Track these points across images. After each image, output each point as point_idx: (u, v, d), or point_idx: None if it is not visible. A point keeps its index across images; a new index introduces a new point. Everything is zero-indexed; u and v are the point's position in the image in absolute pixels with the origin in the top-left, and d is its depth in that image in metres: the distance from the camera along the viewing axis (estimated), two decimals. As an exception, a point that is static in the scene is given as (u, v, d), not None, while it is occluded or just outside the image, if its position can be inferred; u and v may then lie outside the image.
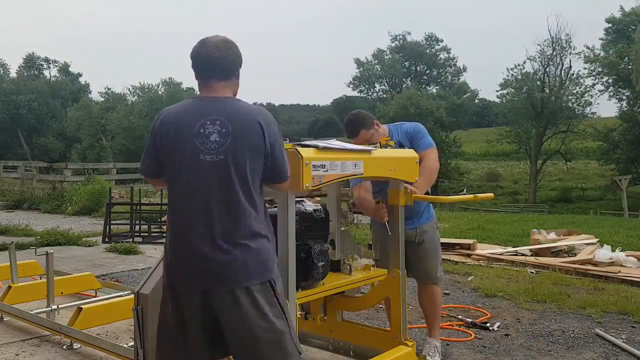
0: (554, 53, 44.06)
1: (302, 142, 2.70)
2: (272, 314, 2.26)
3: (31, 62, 60.43)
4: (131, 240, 9.57)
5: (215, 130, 2.21)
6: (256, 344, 2.24)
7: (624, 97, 41.50)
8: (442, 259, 7.72)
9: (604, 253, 7.25)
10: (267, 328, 2.24)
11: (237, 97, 2.42)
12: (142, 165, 2.42)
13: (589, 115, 44.55)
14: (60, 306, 4.57)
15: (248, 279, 2.22)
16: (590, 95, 43.41)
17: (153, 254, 8.24)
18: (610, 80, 41.38)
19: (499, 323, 4.79)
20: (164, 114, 2.35)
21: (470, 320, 4.79)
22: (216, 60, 2.30)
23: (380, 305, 4.68)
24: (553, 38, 43.87)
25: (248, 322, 2.22)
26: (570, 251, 8.06)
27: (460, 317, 4.91)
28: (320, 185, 2.71)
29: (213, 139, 2.21)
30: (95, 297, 5.28)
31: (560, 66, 44.28)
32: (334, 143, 2.89)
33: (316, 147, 2.69)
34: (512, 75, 45.57)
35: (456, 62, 56.99)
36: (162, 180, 2.39)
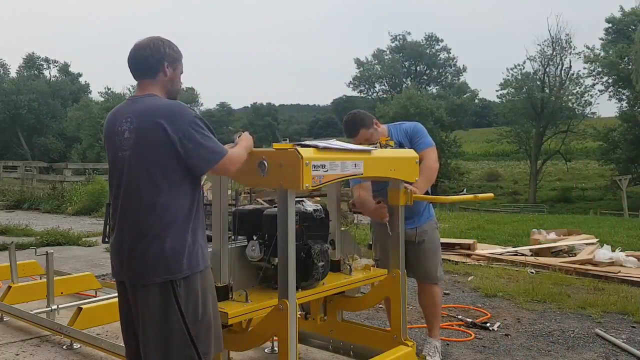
0: (554, 53, 44.11)
1: (302, 142, 2.70)
2: (165, 314, 2.29)
3: (31, 62, 60.42)
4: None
5: (127, 127, 2.35)
6: (147, 341, 2.33)
7: (624, 97, 41.51)
8: (442, 259, 7.70)
9: (604, 253, 7.25)
10: (156, 328, 2.30)
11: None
12: None
13: (589, 115, 44.57)
14: (60, 306, 4.58)
15: (148, 277, 2.30)
16: (590, 95, 43.48)
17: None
18: (610, 80, 41.40)
19: (499, 323, 4.79)
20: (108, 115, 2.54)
21: (470, 320, 4.79)
22: (137, 61, 2.44)
23: (380, 305, 4.68)
24: (553, 38, 43.96)
25: (143, 317, 2.32)
26: (570, 251, 8.06)
27: (460, 317, 4.91)
28: (320, 185, 2.70)
29: (126, 136, 2.35)
30: (95, 297, 5.28)
31: (560, 66, 44.35)
32: (334, 143, 2.89)
33: (316, 147, 2.69)
34: (512, 75, 45.64)
35: (456, 62, 57.09)
36: None
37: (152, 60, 2.41)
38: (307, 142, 2.72)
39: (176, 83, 2.50)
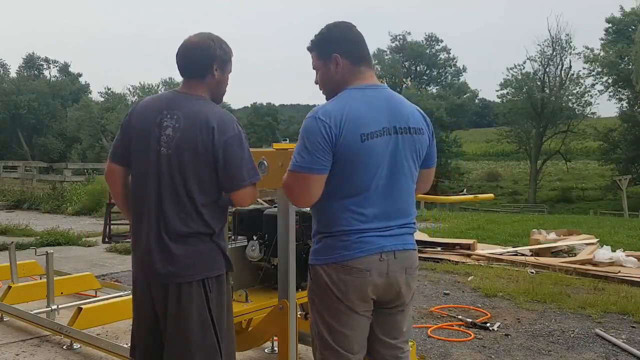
0: (554, 53, 44.06)
1: None
2: (196, 315, 2.29)
3: (31, 62, 60.38)
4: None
5: (171, 124, 2.30)
6: (174, 343, 2.31)
7: (624, 97, 41.49)
8: (442, 259, 7.64)
9: (604, 253, 7.25)
10: (184, 329, 2.29)
11: (228, 88, 2.50)
12: (112, 149, 2.48)
13: (589, 115, 44.52)
14: (60, 306, 4.58)
15: (180, 276, 2.28)
16: (590, 95, 43.43)
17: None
18: (610, 80, 41.37)
19: (499, 323, 4.79)
20: (140, 103, 2.47)
21: (470, 320, 4.79)
22: (187, 60, 2.39)
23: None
24: (553, 38, 43.86)
25: (174, 317, 2.29)
26: (570, 251, 8.07)
27: (460, 317, 4.91)
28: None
29: (168, 133, 2.29)
30: (95, 297, 5.28)
31: (560, 66, 44.27)
32: None
33: None
34: (512, 75, 45.63)
35: (456, 62, 57.08)
36: (121, 170, 2.44)
37: (203, 61, 2.37)
38: None
39: (223, 86, 2.46)
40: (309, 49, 2.32)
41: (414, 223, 2.27)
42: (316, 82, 2.35)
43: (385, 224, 2.14)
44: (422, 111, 2.31)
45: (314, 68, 2.32)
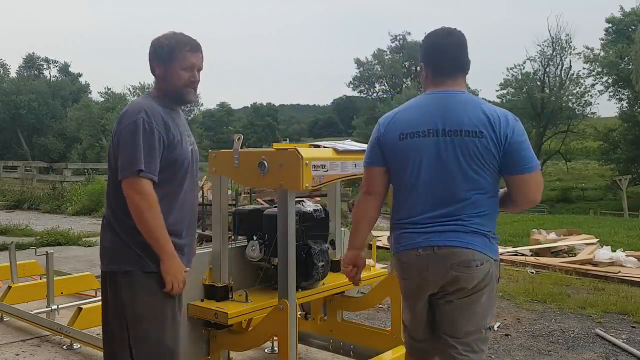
0: (554, 53, 44.08)
1: (318, 143, 2.71)
2: (111, 307, 2.32)
3: (31, 62, 60.36)
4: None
5: None
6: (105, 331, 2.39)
7: (624, 97, 41.50)
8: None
9: (604, 253, 7.26)
10: (105, 321, 2.35)
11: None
12: None
13: (589, 115, 44.54)
14: (60, 306, 4.57)
15: (103, 264, 2.37)
16: (590, 95, 43.46)
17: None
18: (610, 80, 41.39)
19: (499, 323, 4.79)
20: None
21: (470, 320, 4.78)
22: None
23: (380, 305, 4.68)
24: (553, 38, 43.89)
25: (104, 304, 2.37)
26: (570, 251, 8.07)
27: (460, 317, 4.90)
28: (320, 185, 2.71)
29: None
30: (95, 297, 5.27)
31: (560, 66, 44.31)
32: (351, 145, 2.90)
33: (335, 149, 2.72)
34: (512, 75, 45.66)
35: (456, 62, 57.15)
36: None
37: (149, 61, 2.44)
38: (325, 144, 2.73)
39: (170, 81, 2.36)
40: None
41: (468, 221, 2.19)
42: None
43: (425, 220, 2.21)
44: (494, 115, 2.23)
45: None
